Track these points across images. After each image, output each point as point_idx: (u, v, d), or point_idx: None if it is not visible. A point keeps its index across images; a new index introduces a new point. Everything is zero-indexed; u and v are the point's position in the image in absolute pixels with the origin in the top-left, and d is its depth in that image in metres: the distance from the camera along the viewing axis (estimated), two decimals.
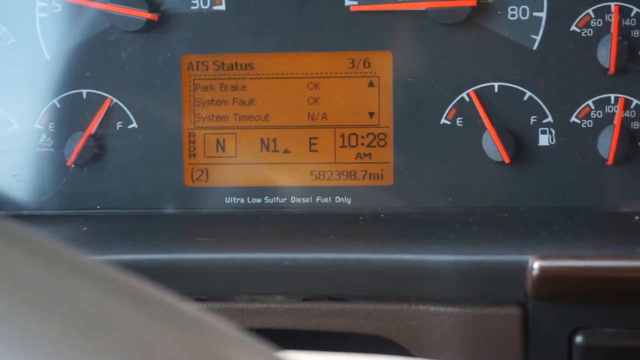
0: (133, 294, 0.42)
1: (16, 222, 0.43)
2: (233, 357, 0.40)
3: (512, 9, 1.19)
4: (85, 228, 1.15)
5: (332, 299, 1.01)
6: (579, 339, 0.96)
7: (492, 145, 1.18)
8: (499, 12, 1.19)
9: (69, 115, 1.25)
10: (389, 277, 0.99)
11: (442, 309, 0.98)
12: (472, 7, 1.18)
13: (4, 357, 0.34)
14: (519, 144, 1.19)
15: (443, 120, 1.20)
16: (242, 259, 1.01)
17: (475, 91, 1.19)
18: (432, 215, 1.18)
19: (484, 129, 1.19)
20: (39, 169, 1.25)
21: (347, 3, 1.20)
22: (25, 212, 1.24)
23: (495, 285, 0.97)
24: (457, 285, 0.98)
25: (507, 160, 1.18)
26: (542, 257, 0.94)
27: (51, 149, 1.25)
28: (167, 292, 0.43)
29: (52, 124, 1.25)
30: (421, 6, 1.18)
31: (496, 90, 1.19)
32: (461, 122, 1.20)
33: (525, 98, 1.19)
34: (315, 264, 1.00)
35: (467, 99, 1.20)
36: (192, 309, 0.43)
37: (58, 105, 1.25)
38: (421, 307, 0.98)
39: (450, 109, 1.20)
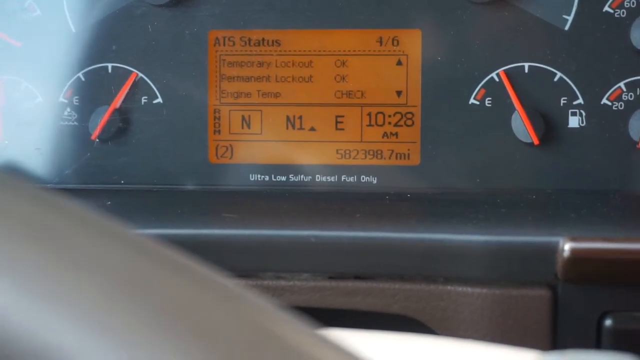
0: (173, 262, 0.41)
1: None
2: (277, 330, 0.39)
3: None
4: (109, 202, 1.14)
5: (358, 277, 1.00)
6: (608, 322, 0.95)
7: (522, 126, 1.16)
8: None
9: (93, 89, 1.24)
10: (416, 256, 0.98)
11: (469, 289, 0.96)
12: None
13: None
14: (549, 125, 1.17)
15: (472, 100, 1.19)
16: (268, 235, 1.00)
17: (505, 71, 1.18)
18: (459, 196, 1.17)
19: (513, 109, 1.17)
20: (62, 142, 1.24)
21: None
22: (48, 185, 1.24)
23: (524, 267, 0.96)
24: (485, 265, 0.96)
25: (536, 142, 1.16)
26: (573, 239, 0.93)
27: (75, 123, 1.24)
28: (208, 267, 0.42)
29: (77, 97, 1.24)
30: None
31: (526, 70, 1.18)
32: (490, 102, 1.18)
33: (556, 79, 1.17)
34: (342, 242, 0.99)
35: (496, 79, 1.18)
36: (235, 284, 0.42)
37: (83, 79, 1.24)
38: (448, 287, 0.97)
39: (480, 89, 1.18)
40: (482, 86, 1.18)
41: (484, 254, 0.96)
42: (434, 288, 0.98)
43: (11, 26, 1.24)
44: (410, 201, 1.15)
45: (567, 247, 0.92)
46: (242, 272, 1.01)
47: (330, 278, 1.00)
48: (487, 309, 0.95)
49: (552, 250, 0.94)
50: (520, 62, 1.18)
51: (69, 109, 1.24)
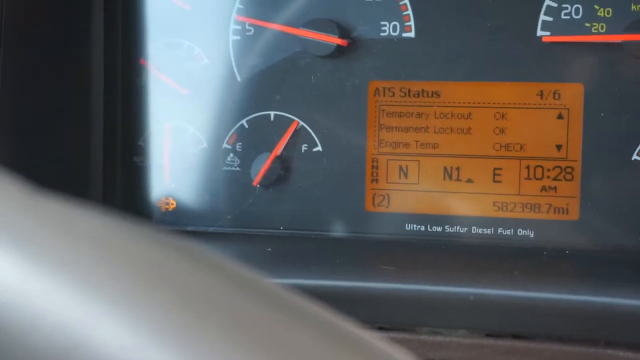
0: (306, 314, 0.41)
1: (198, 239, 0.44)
2: None
3: None
4: (269, 249, 1.17)
5: (516, 336, 0.99)
6: None
7: None
8: None
9: (256, 136, 1.27)
10: (577, 318, 0.97)
11: (632, 355, 0.95)
12: None
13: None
14: None
15: (635, 157, 1.16)
16: (427, 291, 1.01)
17: None
18: (619, 254, 1.15)
19: None
20: (225, 187, 1.29)
21: (539, 33, 1.18)
22: (211, 229, 1.28)
23: None
24: None
25: None
26: None
27: (237, 169, 1.28)
28: (346, 320, 0.43)
29: (240, 144, 1.28)
30: (617, 39, 1.15)
31: None
32: None
33: None
34: (500, 300, 0.99)
35: None
36: (365, 335, 0.42)
37: (246, 126, 1.28)
38: (609, 351, 0.96)
39: None
40: None
41: None
42: (594, 352, 0.96)
43: (180, 74, 1.29)
44: (569, 258, 1.14)
45: None
46: (399, 325, 1.02)
47: (488, 336, 1.00)
48: None
49: None
50: None
51: (232, 155, 1.28)
